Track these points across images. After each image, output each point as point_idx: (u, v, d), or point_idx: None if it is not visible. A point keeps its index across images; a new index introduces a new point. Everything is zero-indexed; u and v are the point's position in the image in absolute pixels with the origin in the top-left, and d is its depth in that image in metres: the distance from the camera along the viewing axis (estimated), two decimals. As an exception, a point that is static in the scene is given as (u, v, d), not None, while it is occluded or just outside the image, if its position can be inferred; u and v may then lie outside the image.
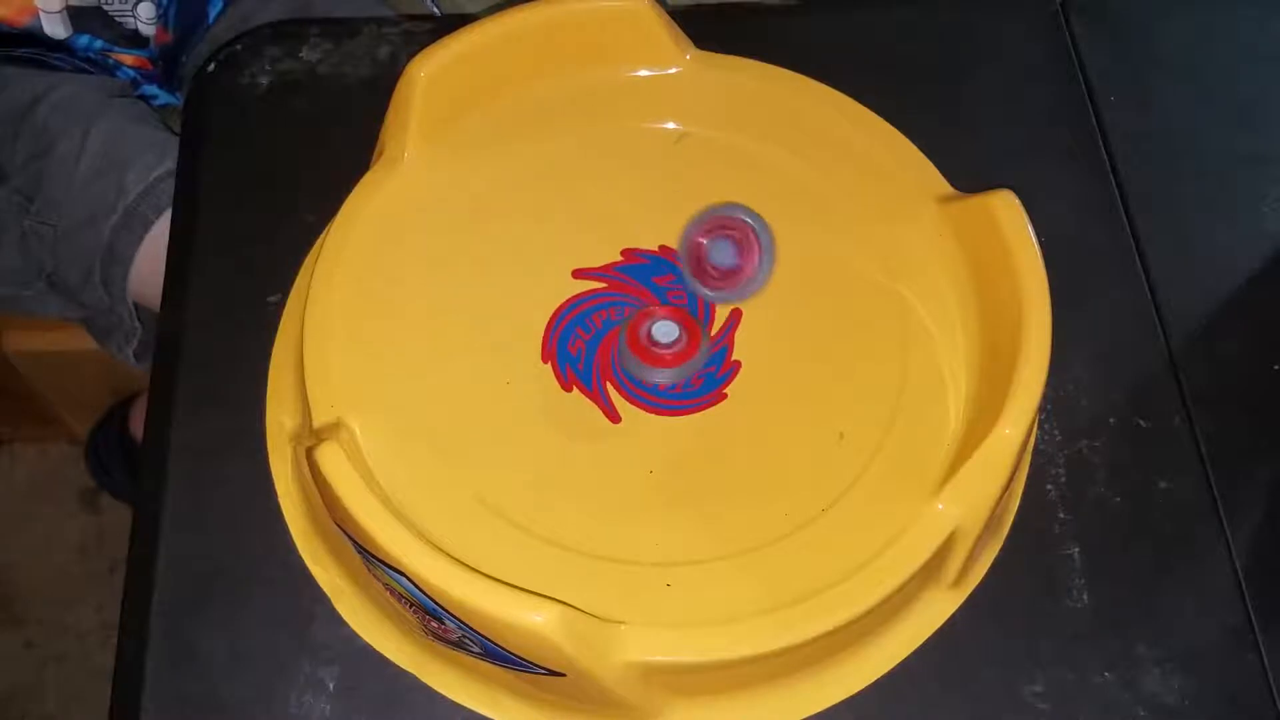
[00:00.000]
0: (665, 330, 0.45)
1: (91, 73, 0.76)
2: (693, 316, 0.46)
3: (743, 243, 0.45)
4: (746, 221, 0.45)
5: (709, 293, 0.46)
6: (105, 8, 0.74)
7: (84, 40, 0.75)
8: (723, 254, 0.45)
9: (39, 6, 0.72)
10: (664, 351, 0.45)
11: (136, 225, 0.71)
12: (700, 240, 0.46)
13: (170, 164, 0.69)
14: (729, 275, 0.45)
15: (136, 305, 0.75)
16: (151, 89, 0.80)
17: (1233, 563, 0.47)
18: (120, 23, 0.75)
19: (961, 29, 0.61)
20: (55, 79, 0.74)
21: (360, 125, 0.53)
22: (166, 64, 0.80)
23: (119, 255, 0.72)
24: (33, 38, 0.73)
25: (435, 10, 0.69)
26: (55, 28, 0.73)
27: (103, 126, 0.72)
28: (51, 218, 0.74)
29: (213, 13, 0.80)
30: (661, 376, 0.46)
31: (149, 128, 0.74)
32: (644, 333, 0.45)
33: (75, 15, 0.73)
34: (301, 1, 0.80)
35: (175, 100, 0.82)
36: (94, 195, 0.71)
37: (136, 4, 0.74)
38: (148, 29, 0.76)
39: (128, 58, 0.77)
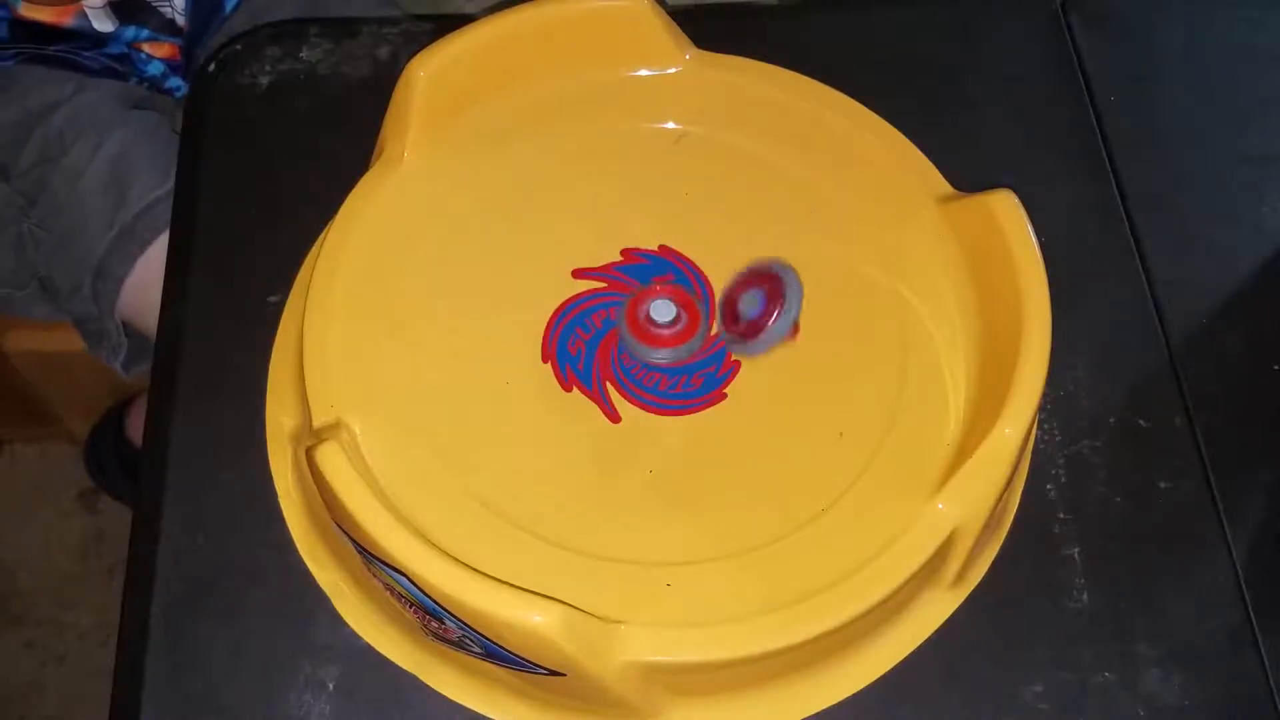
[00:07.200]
0: (663, 310, 0.45)
1: (119, 71, 0.76)
2: (690, 296, 0.46)
3: (770, 295, 0.44)
4: (777, 273, 0.44)
5: (733, 346, 0.46)
6: None
7: (130, 32, 0.75)
8: (750, 305, 0.45)
9: (85, 3, 0.72)
10: (663, 331, 0.45)
11: (132, 244, 0.71)
12: (735, 292, 0.45)
13: (174, 184, 0.69)
14: (752, 327, 0.45)
15: (125, 322, 0.75)
16: (176, 81, 0.80)
17: (1233, 563, 0.47)
18: (160, 11, 0.76)
19: (961, 29, 0.61)
20: (78, 84, 0.75)
21: (360, 125, 0.53)
22: (186, 56, 0.80)
23: (111, 272, 0.72)
24: (72, 33, 0.74)
25: None
26: (102, 22, 0.74)
27: (115, 139, 0.72)
28: (50, 223, 0.74)
29: (228, 5, 0.80)
30: (661, 356, 0.46)
31: (160, 144, 0.74)
32: (643, 313, 0.46)
33: (117, 8, 0.74)
34: None
35: None
36: (94, 208, 0.72)
37: None
38: (182, 19, 0.76)
39: (162, 48, 0.78)
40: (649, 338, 0.46)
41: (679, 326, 0.46)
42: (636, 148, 0.52)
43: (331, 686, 0.44)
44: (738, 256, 0.49)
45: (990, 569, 0.47)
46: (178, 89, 0.80)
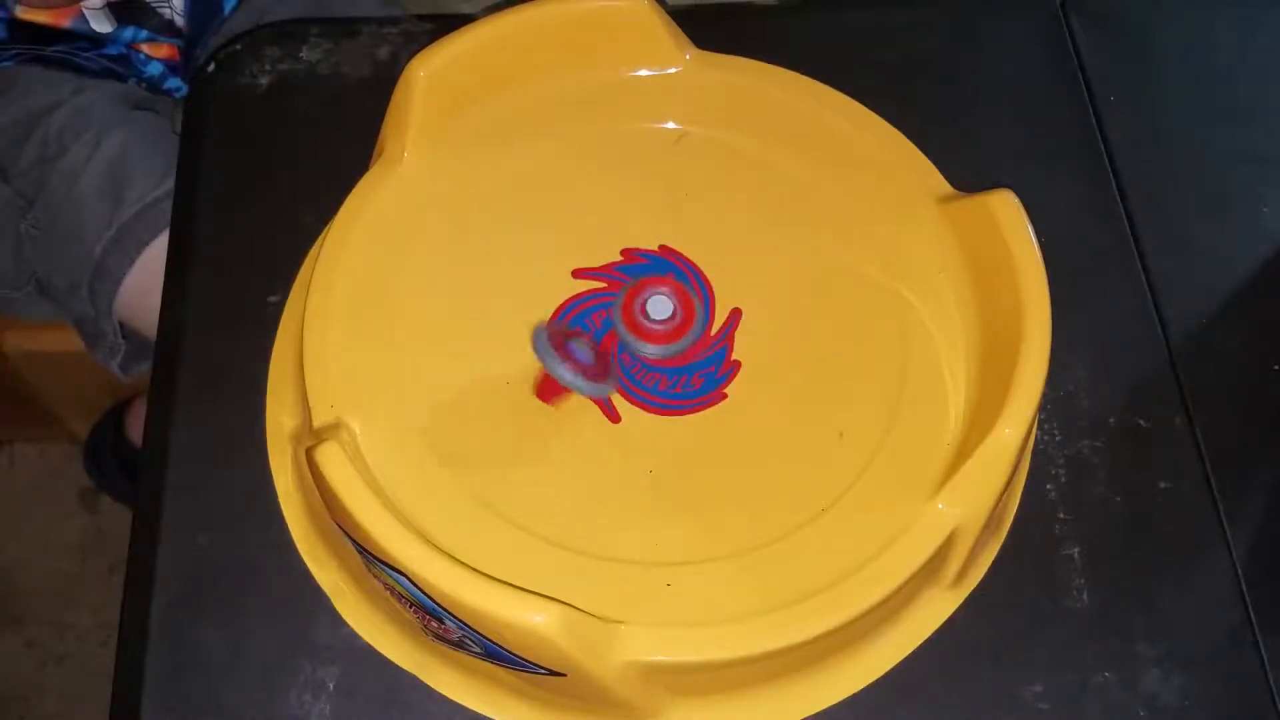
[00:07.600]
0: (659, 306, 0.45)
1: (118, 72, 0.76)
2: (689, 291, 0.47)
3: (599, 366, 0.44)
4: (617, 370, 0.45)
5: (549, 355, 0.43)
6: None
7: (128, 33, 0.75)
8: (583, 353, 0.44)
9: (83, 5, 0.72)
10: (657, 326, 0.45)
11: (130, 244, 0.71)
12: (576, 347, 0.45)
13: (172, 185, 0.69)
14: (573, 364, 0.43)
15: (123, 323, 0.75)
16: (175, 81, 0.80)
17: (1233, 563, 0.47)
18: (159, 12, 0.76)
19: (962, 29, 0.61)
20: (77, 84, 0.75)
21: (360, 125, 0.53)
22: (185, 57, 0.80)
23: (109, 272, 0.72)
24: (70, 34, 0.74)
25: None
26: (100, 24, 0.74)
27: (114, 139, 0.72)
28: (48, 224, 0.74)
29: (227, 5, 0.80)
30: (654, 351, 0.46)
31: (159, 145, 0.74)
32: (638, 307, 0.46)
33: (116, 9, 0.74)
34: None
35: None
36: (92, 208, 0.72)
37: None
38: (181, 20, 0.76)
39: (162, 49, 0.78)
40: (643, 332, 0.46)
41: (674, 322, 0.46)
42: (636, 148, 0.52)
43: (331, 686, 0.44)
44: (738, 256, 0.49)
45: (990, 569, 0.47)
46: (177, 89, 0.80)
